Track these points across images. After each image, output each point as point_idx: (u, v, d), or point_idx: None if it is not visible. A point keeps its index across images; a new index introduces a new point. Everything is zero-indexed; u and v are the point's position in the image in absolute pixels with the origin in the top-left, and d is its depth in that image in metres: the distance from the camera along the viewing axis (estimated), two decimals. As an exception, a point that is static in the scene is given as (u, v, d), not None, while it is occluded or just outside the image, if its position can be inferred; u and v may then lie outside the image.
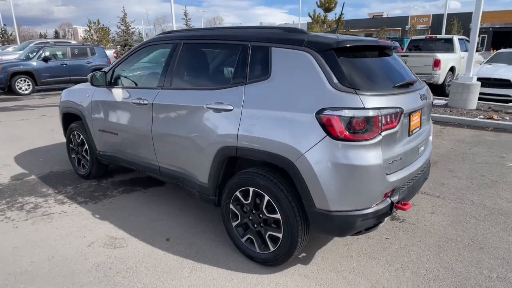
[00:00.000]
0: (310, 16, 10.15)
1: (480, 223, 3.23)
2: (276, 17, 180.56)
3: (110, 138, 3.67)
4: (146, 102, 3.13)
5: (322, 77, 2.19)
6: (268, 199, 2.40)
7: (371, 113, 2.09)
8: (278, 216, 2.38)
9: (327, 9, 9.94)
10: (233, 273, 2.53)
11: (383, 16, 59.09)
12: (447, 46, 10.80)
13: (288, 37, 2.42)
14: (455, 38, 10.89)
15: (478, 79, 8.24)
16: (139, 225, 3.19)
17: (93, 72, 3.62)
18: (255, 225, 2.57)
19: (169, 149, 3.04)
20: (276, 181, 2.36)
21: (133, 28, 17.57)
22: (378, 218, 2.28)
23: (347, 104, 2.09)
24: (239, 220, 2.65)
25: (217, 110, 2.59)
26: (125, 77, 3.59)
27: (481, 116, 7.25)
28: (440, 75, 9.91)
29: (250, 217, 2.58)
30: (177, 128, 2.90)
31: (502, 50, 10.93)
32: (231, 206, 2.66)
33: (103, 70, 3.67)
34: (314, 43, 2.29)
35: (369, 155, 2.11)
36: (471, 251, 2.79)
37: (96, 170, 4.13)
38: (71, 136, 4.28)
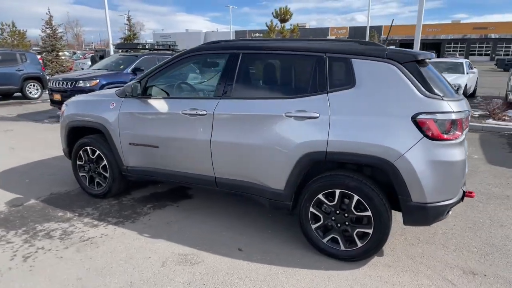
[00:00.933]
0: (267, 26, 10.57)
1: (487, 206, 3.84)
2: (200, 24, 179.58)
3: (146, 152, 3.47)
4: (205, 112, 3.08)
5: (410, 85, 2.48)
6: (358, 199, 2.59)
7: (457, 116, 2.43)
8: (368, 213, 2.59)
9: (283, 20, 10.45)
10: (326, 272, 2.66)
11: (306, 27, 63.22)
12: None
13: (368, 50, 2.66)
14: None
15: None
16: (200, 239, 3.11)
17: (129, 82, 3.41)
18: (339, 225, 2.73)
19: (232, 159, 3.04)
20: (365, 181, 2.57)
21: (60, 32, 16.08)
22: (453, 206, 2.63)
23: (439, 108, 2.41)
24: (321, 221, 2.79)
25: (300, 118, 2.71)
26: (166, 87, 3.45)
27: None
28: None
29: (333, 218, 2.74)
30: (246, 138, 2.92)
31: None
32: (311, 209, 2.79)
33: (136, 80, 3.47)
34: (395, 56, 2.57)
35: (457, 152, 2.45)
36: (496, 228, 3.34)
37: (117, 187, 3.85)
38: (80, 152, 3.91)
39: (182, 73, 3.73)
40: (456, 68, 11.25)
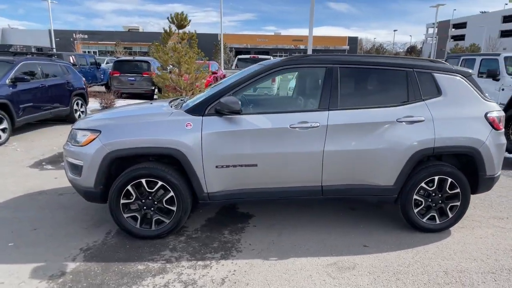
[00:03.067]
0: (165, 31, 10.03)
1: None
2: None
3: (238, 173, 3.19)
4: (318, 124, 3.18)
5: (475, 93, 3.44)
6: (451, 181, 3.38)
7: (502, 114, 3.55)
8: (457, 190, 3.41)
9: (180, 26, 10.12)
10: (436, 242, 3.32)
11: (139, 31, 60.06)
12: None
13: (441, 66, 3.47)
14: (272, 58, 13.88)
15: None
16: (330, 246, 3.20)
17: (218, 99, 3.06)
18: (435, 204, 3.45)
19: (344, 166, 3.27)
20: (455, 167, 3.39)
21: None
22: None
23: (496, 108, 3.46)
24: (422, 204, 3.43)
25: (409, 122, 3.26)
26: (255, 100, 3.27)
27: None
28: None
29: (431, 199, 3.43)
30: (361, 144, 3.23)
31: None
32: (414, 196, 3.39)
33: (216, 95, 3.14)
34: (459, 71, 3.48)
35: (503, 137, 3.56)
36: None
37: (185, 219, 3.32)
38: (129, 187, 3.16)
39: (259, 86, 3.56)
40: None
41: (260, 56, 13.70)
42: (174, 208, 3.23)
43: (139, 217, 3.24)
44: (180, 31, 10.93)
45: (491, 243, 3.33)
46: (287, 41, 62.66)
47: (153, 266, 2.87)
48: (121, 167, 3.22)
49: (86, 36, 52.31)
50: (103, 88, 16.51)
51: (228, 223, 3.64)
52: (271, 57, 13.86)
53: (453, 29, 68.91)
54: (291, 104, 3.50)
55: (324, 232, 3.48)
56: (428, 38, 79.12)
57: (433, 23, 43.50)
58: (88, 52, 37.90)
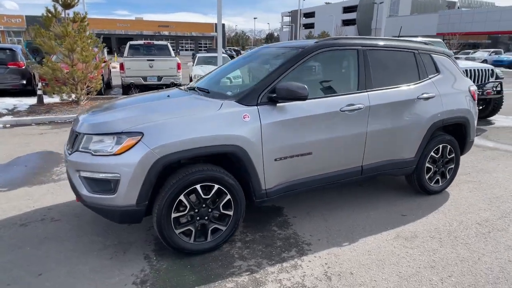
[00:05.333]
0: (49, 12, 8.06)
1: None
2: None
3: (293, 164, 2.99)
4: (362, 106, 3.22)
5: (458, 71, 4.03)
6: (450, 148, 3.94)
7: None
8: (453, 155, 3.99)
9: (67, 5, 8.30)
10: (450, 202, 3.85)
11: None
12: (164, 51, 12.46)
13: (434, 48, 3.92)
14: (169, 45, 12.86)
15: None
16: (380, 225, 3.33)
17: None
18: (439, 169, 3.96)
19: (382, 144, 3.43)
20: (450, 135, 3.95)
21: None
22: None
23: (472, 83, 4.13)
24: (431, 170, 3.88)
25: (425, 99, 3.62)
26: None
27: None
28: (181, 77, 11.92)
29: (436, 165, 3.92)
30: (395, 122, 3.44)
31: (200, 54, 14.51)
32: (427, 164, 3.82)
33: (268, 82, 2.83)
34: (445, 52, 4.01)
35: (476, 107, 4.28)
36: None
37: (241, 223, 2.96)
38: (182, 197, 2.62)
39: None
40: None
41: (155, 42, 12.72)
42: (231, 213, 2.84)
43: (193, 230, 2.73)
44: (69, 11, 9.23)
45: (483, 196, 4.03)
46: (151, 27, 59.65)
47: (243, 281, 2.49)
48: (162, 175, 2.62)
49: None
50: None
51: (266, 220, 3.40)
52: (168, 43, 13.02)
53: (304, 18, 77.10)
54: (330, 87, 3.42)
55: (359, 211, 3.59)
56: (284, 26, 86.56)
57: (289, 12, 47.70)
58: None
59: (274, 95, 2.85)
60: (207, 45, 60.81)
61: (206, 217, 2.76)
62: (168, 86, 11.73)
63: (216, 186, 2.72)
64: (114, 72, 16.43)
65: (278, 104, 2.90)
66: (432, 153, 3.81)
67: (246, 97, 2.86)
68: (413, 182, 3.89)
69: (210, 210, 2.76)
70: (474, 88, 4.10)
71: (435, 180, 3.96)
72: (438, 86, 3.77)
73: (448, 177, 4.05)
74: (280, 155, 2.92)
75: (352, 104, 3.20)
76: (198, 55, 14.77)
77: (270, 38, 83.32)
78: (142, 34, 55.29)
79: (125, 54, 11.91)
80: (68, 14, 8.59)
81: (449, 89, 3.86)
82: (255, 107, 2.83)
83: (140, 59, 11.74)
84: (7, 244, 2.91)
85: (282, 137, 2.90)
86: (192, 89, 3.45)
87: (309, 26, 77.83)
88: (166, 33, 59.57)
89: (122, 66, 11.51)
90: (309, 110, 3.01)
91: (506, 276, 2.57)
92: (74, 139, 2.75)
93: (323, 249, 2.90)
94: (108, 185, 2.51)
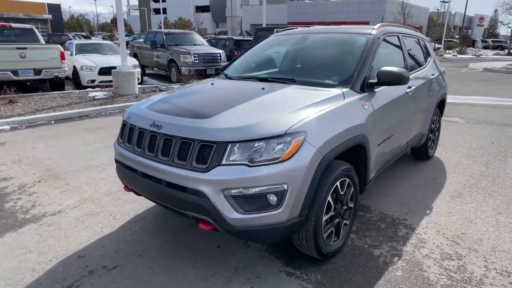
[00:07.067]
0: None
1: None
2: None
3: (383, 148, 3.11)
4: (414, 87, 3.54)
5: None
6: (437, 117, 4.71)
7: (437, 66, 5.10)
8: (439, 124, 4.80)
9: None
10: (448, 164, 4.63)
11: None
12: (30, 37, 10.00)
13: (422, 34, 4.53)
14: (34, 28, 10.35)
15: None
16: (432, 190, 3.76)
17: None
18: (434, 136, 4.70)
19: (419, 121, 3.86)
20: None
21: None
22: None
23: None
24: (431, 139, 4.57)
25: (434, 78, 4.21)
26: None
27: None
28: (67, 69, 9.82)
29: (432, 134, 4.63)
30: (423, 99, 3.90)
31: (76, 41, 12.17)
32: (429, 134, 4.48)
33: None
34: (426, 38, 4.70)
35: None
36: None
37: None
38: (329, 198, 2.43)
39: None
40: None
41: (13, 25, 10.12)
42: (352, 205, 2.78)
43: (334, 230, 2.57)
44: None
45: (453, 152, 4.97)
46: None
47: (401, 265, 2.50)
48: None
49: None
50: None
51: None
52: (33, 26, 10.58)
53: (153, 2, 73.37)
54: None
55: (402, 185, 3.97)
56: (131, 10, 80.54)
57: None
58: None
59: (374, 80, 2.86)
60: (38, 29, 51.40)
61: (340, 214, 2.63)
62: (52, 81, 9.64)
63: (347, 181, 2.61)
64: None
65: (372, 89, 2.93)
66: (432, 125, 4.48)
67: (356, 84, 2.78)
68: (421, 151, 4.49)
69: (343, 206, 2.64)
70: (443, 69, 4.95)
71: (432, 147, 4.68)
72: (434, 67, 4.42)
73: (436, 142, 4.84)
74: (380, 139, 2.99)
75: (410, 87, 3.48)
76: (74, 42, 12.54)
77: (115, 23, 76.52)
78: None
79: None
80: None
81: (438, 70, 4.57)
82: (366, 94, 2.80)
83: (5, 47, 8.87)
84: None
85: (382, 122, 2.96)
86: (262, 79, 3.09)
87: (160, 11, 74.73)
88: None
89: None
90: (391, 94, 3.14)
91: None
92: (176, 150, 2.21)
93: (428, 225, 3.08)
94: (269, 199, 2.11)
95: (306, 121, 2.23)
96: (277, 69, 3.58)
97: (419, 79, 3.83)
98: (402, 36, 3.76)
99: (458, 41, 42.67)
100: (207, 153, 2.12)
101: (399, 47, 3.64)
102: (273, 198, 2.11)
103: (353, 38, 3.34)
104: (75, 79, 10.83)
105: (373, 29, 3.30)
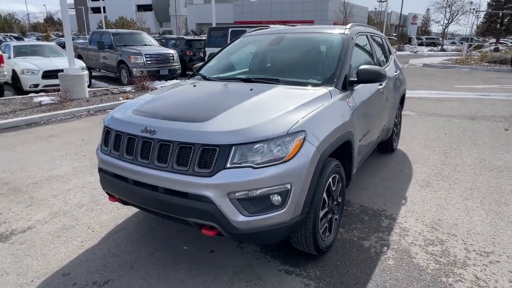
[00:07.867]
0: None
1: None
2: None
3: (364, 142, 3.25)
4: (384, 83, 3.73)
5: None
6: (399, 113, 5.02)
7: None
8: (400, 118, 5.12)
9: None
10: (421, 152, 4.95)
11: None
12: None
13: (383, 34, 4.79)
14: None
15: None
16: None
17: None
18: (397, 129, 5.00)
19: (387, 116, 4.07)
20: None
21: None
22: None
23: (398, 61, 5.30)
24: (395, 131, 4.86)
25: (397, 76, 4.47)
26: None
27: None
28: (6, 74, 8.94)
29: (396, 126, 4.92)
30: (390, 95, 4.12)
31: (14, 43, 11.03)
32: (393, 128, 4.76)
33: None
34: (386, 37, 4.97)
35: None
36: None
37: (341, 208, 3.01)
38: (324, 195, 2.48)
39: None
40: None
41: None
42: (340, 199, 2.86)
43: (327, 226, 2.63)
44: None
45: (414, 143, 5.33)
46: None
47: (393, 253, 2.63)
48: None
49: None
50: None
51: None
52: None
53: (91, 1, 69.41)
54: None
55: (374, 177, 4.17)
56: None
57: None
58: None
59: (355, 78, 2.97)
60: None
61: (331, 210, 2.69)
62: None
63: (337, 177, 2.68)
64: None
65: (351, 87, 3.03)
66: (396, 119, 4.76)
67: (338, 83, 2.86)
68: (386, 145, 4.74)
69: (334, 202, 2.71)
70: (402, 66, 5.27)
71: (395, 140, 4.97)
72: (396, 65, 4.69)
73: (399, 135, 5.15)
74: (361, 135, 3.11)
75: (382, 84, 3.66)
76: (11, 44, 11.47)
77: (52, 22, 71.37)
78: None
79: None
80: None
81: (398, 67, 4.85)
82: (348, 91, 2.90)
83: None
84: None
85: (362, 118, 3.08)
86: (245, 80, 3.07)
87: (99, 10, 70.97)
88: None
89: None
90: (367, 91, 3.29)
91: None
92: (175, 156, 2.13)
93: (398, 210, 3.31)
94: (273, 200, 2.10)
95: (304, 120, 2.26)
96: (256, 69, 3.57)
97: (388, 75, 4.04)
98: (370, 35, 3.95)
99: (396, 39, 45.62)
100: (210, 157, 2.06)
101: (369, 46, 3.81)
102: (277, 199, 2.11)
103: (329, 38, 3.44)
104: (15, 84, 9.90)
105: (346, 29, 3.43)
